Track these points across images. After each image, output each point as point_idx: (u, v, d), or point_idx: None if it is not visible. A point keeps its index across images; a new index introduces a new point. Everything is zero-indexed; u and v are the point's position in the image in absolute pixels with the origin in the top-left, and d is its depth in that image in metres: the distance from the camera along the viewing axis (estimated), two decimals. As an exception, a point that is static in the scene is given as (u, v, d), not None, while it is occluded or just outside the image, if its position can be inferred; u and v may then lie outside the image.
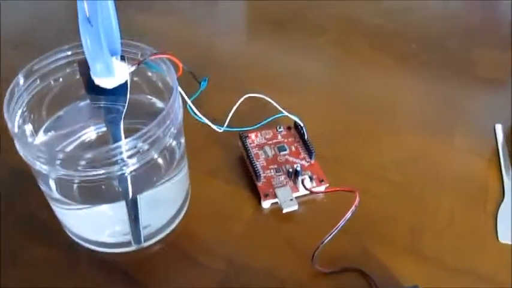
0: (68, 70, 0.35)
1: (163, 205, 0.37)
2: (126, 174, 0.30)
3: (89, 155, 0.28)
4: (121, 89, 0.32)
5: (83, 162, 0.29)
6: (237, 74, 0.52)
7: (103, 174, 0.29)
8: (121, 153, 0.29)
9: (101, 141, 0.38)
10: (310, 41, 0.57)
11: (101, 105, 0.32)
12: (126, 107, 0.32)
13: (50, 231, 0.37)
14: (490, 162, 0.43)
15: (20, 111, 0.32)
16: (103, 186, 0.30)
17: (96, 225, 0.35)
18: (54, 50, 0.34)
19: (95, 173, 0.29)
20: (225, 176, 0.41)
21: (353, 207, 0.34)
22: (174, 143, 0.33)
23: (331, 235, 0.34)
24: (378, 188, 0.40)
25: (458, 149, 0.44)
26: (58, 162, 0.29)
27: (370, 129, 0.46)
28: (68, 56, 0.34)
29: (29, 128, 0.34)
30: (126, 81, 0.32)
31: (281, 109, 0.42)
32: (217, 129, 0.40)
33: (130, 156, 0.29)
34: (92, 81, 0.31)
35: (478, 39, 0.57)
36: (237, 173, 0.42)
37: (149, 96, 0.37)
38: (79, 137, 0.38)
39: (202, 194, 0.40)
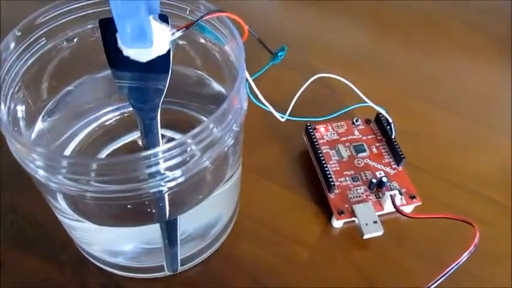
0: (87, 26, 0.24)
1: (206, 222, 0.27)
2: (163, 192, 0.20)
3: (106, 164, 0.19)
4: (160, 64, 0.22)
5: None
6: (303, 51, 0.40)
7: (129, 191, 0.19)
8: (158, 163, 0.19)
9: (125, 127, 0.29)
10: (395, 20, 0.46)
11: (130, 85, 0.22)
12: (165, 90, 0.22)
13: (54, 242, 0.28)
14: None
15: (12, 86, 0.22)
16: (129, 206, 0.21)
17: (117, 245, 0.26)
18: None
19: (116, 189, 0.19)
20: (283, 179, 0.32)
21: (472, 248, 0.25)
22: (232, 144, 0.23)
23: (438, 282, 0.25)
24: (481, 211, 0.30)
25: None
26: (63, 171, 0.19)
27: (467, 131, 0.35)
28: (86, 5, 0.24)
29: (22, 110, 0.24)
30: (169, 52, 0.22)
31: (363, 96, 0.31)
32: (280, 118, 0.30)
33: (172, 168, 0.19)
34: (118, 51, 0.22)
35: None
36: (299, 177, 0.32)
37: (200, 72, 0.26)
38: (95, 120, 0.28)
39: (254, 204, 0.30)
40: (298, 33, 0.42)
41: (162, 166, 0.19)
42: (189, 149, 0.19)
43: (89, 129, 0.28)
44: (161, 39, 0.21)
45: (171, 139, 0.29)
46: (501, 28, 0.43)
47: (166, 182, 0.20)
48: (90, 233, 0.26)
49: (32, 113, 0.24)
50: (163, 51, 0.22)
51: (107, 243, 0.26)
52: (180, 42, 0.25)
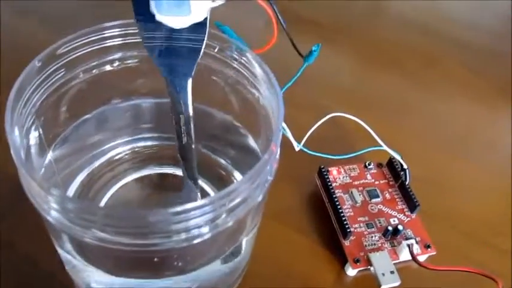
0: (108, 57, 0.23)
1: (220, 274, 0.25)
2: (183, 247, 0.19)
3: (118, 216, 0.18)
4: (195, 29, 0.21)
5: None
6: (314, 91, 0.40)
7: (141, 246, 0.18)
8: (188, 220, 0.18)
9: (134, 163, 0.27)
10: (401, 61, 0.46)
11: (161, 47, 0.21)
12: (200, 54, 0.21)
13: (54, 285, 0.26)
14: None
15: (30, 114, 0.21)
16: (155, 259, 0.19)
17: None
18: (92, 27, 0.22)
19: (125, 241, 0.18)
20: (295, 222, 0.30)
21: (497, 304, 0.24)
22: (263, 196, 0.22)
23: None
24: (495, 263, 0.30)
25: None
26: (69, 214, 0.18)
27: (482, 180, 0.35)
28: (111, 36, 0.23)
29: (36, 136, 0.22)
30: (205, 20, 0.21)
31: (379, 140, 0.31)
32: (295, 146, 0.28)
33: (199, 226, 0.18)
34: (150, 15, 0.21)
35: None
36: (311, 220, 0.31)
37: (228, 116, 0.25)
38: (103, 154, 0.27)
39: (266, 247, 0.29)
40: (309, 72, 0.42)
41: (192, 223, 0.18)
42: (222, 206, 0.18)
43: (97, 162, 0.27)
44: (200, 7, 0.20)
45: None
46: (501, 72, 0.44)
47: (190, 239, 0.18)
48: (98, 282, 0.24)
49: (44, 144, 0.23)
50: (200, 19, 0.21)
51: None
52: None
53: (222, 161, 0.28)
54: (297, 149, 0.29)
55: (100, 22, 0.23)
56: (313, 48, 0.26)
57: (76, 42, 0.22)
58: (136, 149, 0.27)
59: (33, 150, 0.21)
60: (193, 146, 0.23)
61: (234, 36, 0.23)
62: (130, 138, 0.27)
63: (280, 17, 0.22)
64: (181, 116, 0.22)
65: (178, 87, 0.22)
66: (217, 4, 0.21)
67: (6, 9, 0.43)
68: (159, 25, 0.21)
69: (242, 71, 0.23)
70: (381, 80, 0.42)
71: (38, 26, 0.42)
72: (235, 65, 0.23)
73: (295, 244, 0.30)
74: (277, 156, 0.21)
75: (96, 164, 0.26)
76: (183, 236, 0.19)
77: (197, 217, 0.18)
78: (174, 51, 0.21)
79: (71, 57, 0.22)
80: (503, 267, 0.30)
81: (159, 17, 0.20)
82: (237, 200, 0.19)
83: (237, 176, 0.28)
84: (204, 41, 0.21)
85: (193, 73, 0.22)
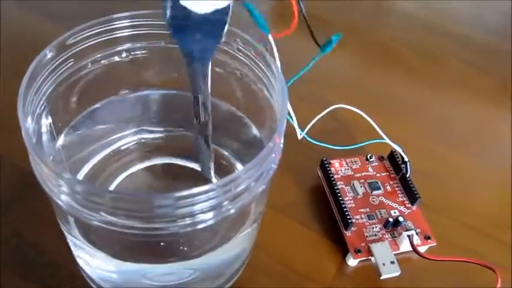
0: (116, 48, 0.24)
1: (226, 261, 0.26)
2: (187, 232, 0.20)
3: (125, 199, 0.18)
4: (218, 13, 0.20)
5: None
6: (316, 83, 0.40)
7: (146, 230, 0.19)
8: (192, 205, 0.18)
9: (141, 154, 0.28)
10: (404, 57, 0.47)
11: (184, 27, 0.21)
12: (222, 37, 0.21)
13: (61, 272, 0.27)
14: None
15: (40, 102, 0.21)
16: (162, 243, 0.20)
17: (135, 282, 0.25)
18: (101, 18, 0.23)
19: (131, 224, 0.18)
20: (298, 214, 0.31)
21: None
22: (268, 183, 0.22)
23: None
24: (493, 255, 0.30)
25: None
26: (78, 197, 0.18)
27: (482, 173, 0.35)
28: (120, 27, 0.23)
29: (47, 124, 0.23)
30: (228, 7, 0.21)
31: (381, 132, 0.31)
32: (298, 135, 0.29)
33: (204, 211, 0.19)
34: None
35: None
36: (312, 212, 0.31)
37: (233, 107, 0.26)
38: (110, 144, 0.27)
39: (269, 238, 0.29)
40: (313, 67, 0.42)
41: (197, 208, 0.18)
42: (227, 191, 0.19)
43: (104, 152, 0.27)
44: None
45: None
46: (503, 69, 0.45)
47: (195, 224, 0.19)
48: (103, 266, 0.24)
49: (53, 132, 0.23)
50: (223, 5, 0.20)
51: (122, 281, 0.25)
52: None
53: (225, 152, 0.28)
54: (299, 137, 0.29)
55: (108, 14, 0.23)
56: (333, 38, 0.25)
57: (85, 33, 0.23)
58: (143, 140, 0.28)
59: (44, 137, 0.22)
60: (210, 123, 0.24)
61: (258, 15, 0.23)
62: (137, 129, 0.28)
63: (302, 6, 0.22)
64: (200, 95, 0.23)
65: (199, 68, 0.22)
66: None
67: (10, 1, 0.44)
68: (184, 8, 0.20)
69: (247, 62, 0.24)
70: (384, 76, 0.43)
71: (41, 18, 0.42)
72: (240, 57, 0.24)
73: (297, 234, 0.30)
74: (281, 145, 0.21)
75: (103, 153, 0.27)
76: (188, 220, 0.19)
77: (202, 202, 0.19)
78: (197, 33, 0.21)
79: (80, 48, 0.23)
80: (502, 259, 0.30)
81: (183, 1, 0.20)
82: (242, 187, 0.20)
83: (239, 167, 0.28)
84: (226, 26, 0.21)
85: (211, 57, 0.22)
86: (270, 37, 0.23)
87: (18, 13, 0.43)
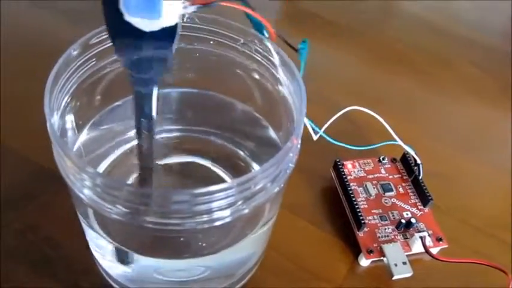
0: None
1: (238, 260, 0.26)
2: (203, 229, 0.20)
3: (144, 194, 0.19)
4: (165, 33, 0.20)
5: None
6: (329, 86, 0.41)
7: (164, 225, 0.19)
8: (209, 202, 0.19)
9: (157, 150, 0.28)
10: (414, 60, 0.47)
11: (129, 51, 0.20)
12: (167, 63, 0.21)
13: (76, 266, 0.27)
14: None
15: (65, 99, 0.22)
16: (181, 238, 0.21)
17: (148, 277, 0.25)
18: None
19: (149, 219, 0.19)
20: (310, 214, 0.31)
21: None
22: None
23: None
24: (504, 258, 0.30)
25: None
26: (99, 190, 0.19)
27: (494, 177, 0.36)
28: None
29: (72, 120, 0.24)
30: (176, 26, 0.20)
31: (394, 134, 0.31)
32: (313, 134, 0.29)
33: (221, 209, 0.19)
34: (119, 14, 0.19)
35: None
36: (325, 212, 0.32)
37: (248, 107, 0.26)
38: (130, 140, 0.28)
39: (282, 238, 0.29)
40: (321, 69, 0.43)
41: (215, 205, 0.19)
42: (245, 190, 0.19)
43: (121, 149, 0.28)
44: (171, 11, 0.19)
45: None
46: (510, 71, 0.45)
47: (212, 221, 0.19)
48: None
49: (75, 128, 0.24)
50: (171, 24, 0.20)
51: (140, 277, 0.25)
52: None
53: (241, 153, 0.29)
54: (315, 137, 0.29)
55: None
56: (301, 47, 0.24)
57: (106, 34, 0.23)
58: (161, 138, 0.29)
59: (69, 133, 0.23)
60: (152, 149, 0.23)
61: (254, 19, 0.23)
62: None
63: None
64: (143, 120, 0.22)
65: (143, 96, 0.21)
66: (189, 11, 0.20)
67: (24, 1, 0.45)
68: (131, 32, 0.19)
69: (264, 63, 0.24)
70: (391, 77, 0.43)
71: (53, 17, 0.43)
72: (258, 58, 0.24)
73: (310, 235, 0.31)
74: (299, 145, 0.22)
75: (121, 150, 0.28)
76: (205, 217, 0.20)
77: (220, 199, 0.19)
78: (142, 60, 0.21)
79: (102, 48, 0.23)
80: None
81: (127, 17, 0.19)
82: (259, 186, 0.20)
83: (256, 168, 0.29)
84: (173, 50, 0.20)
85: (157, 82, 0.21)
86: (271, 46, 0.23)
87: (29, 13, 0.44)
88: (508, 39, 0.48)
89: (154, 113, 0.21)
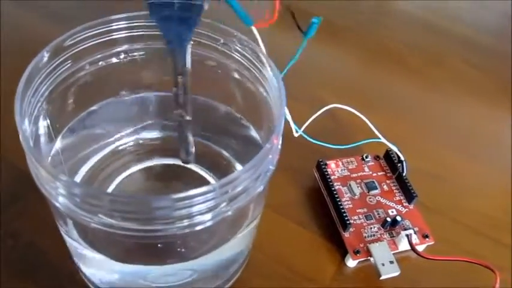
0: (114, 49, 0.24)
1: (225, 261, 0.26)
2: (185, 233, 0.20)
3: (123, 201, 0.18)
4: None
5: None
6: (311, 82, 0.40)
7: (145, 232, 0.19)
8: (190, 206, 0.18)
9: (139, 154, 0.28)
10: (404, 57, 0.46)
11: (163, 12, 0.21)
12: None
13: (59, 272, 0.27)
14: None
15: (38, 104, 0.21)
16: (159, 244, 0.20)
17: (135, 284, 0.25)
18: (98, 20, 0.23)
19: (130, 227, 0.18)
20: (295, 215, 0.31)
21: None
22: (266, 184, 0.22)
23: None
24: (491, 255, 0.30)
25: None
26: (76, 199, 0.18)
27: (479, 174, 0.36)
28: (117, 29, 0.23)
29: (44, 125, 0.23)
30: None
31: (377, 132, 0.31)
32: (294, 132, 0.29)
33: (202, 213, 0.19)
34: None
35: None
36: (310, 213, 0.31)
37: (228, 107, 0.26)
38: (108, 145, 0.27)
39: (268, 239, 0.29)
40: (311, 66, 0.42)
41: (195, 209, 0.18)
42: (225, 193, 0.19)
43: (102, 153, 0.27)
44: None
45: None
46: (504, 70, 0.45)
47: (193, 226, 0.19)
48: (102, 267, 0.24)
49: (51, 134, 0.23)
50: None
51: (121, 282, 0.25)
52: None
53: (224, 153, 0.28)
54: (296, 134, 0.29)
55: (105, 15, 0.23)
56: (313, 21, 0.25)
57: (83, 34, 0.23)
58: (141, 141, 0.28)
59: (41, 139, 0.22)
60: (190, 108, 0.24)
61: (240, 9, 0.23)
62: (135, 130, 0.28)
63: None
64: (179, 78, 0.22)
65: (178, 51, 0.22)
66: None
67: (9, 2, 0.44)
68: None
69: (244, 62, 0.24)
70: (383, 76, 0.43)
71: (39, 19, 0.42)
72: (238, 57, 0.24)
73: (296, 236, 0.30)
74: (279, 146, 0.21)
75: (101, 154, 0.27)
76: (186, 222, 0.19)
77: (200, 203, 0.19)
78: (175, 17, 0.21)
79: (77, 49, 0.23)
80: (500, 258, 0.30)
81: None
82: (239, 188, 0.20)
83: (239, 168, 0.28)
84: (205, 7, 0.21)
85: (190, 38, 0.22)
86: (254, 29, 0.23)
87: (16, 13, 0.43)
88: (503, 37, 0.49)
89: (188, 65, 0.22)
